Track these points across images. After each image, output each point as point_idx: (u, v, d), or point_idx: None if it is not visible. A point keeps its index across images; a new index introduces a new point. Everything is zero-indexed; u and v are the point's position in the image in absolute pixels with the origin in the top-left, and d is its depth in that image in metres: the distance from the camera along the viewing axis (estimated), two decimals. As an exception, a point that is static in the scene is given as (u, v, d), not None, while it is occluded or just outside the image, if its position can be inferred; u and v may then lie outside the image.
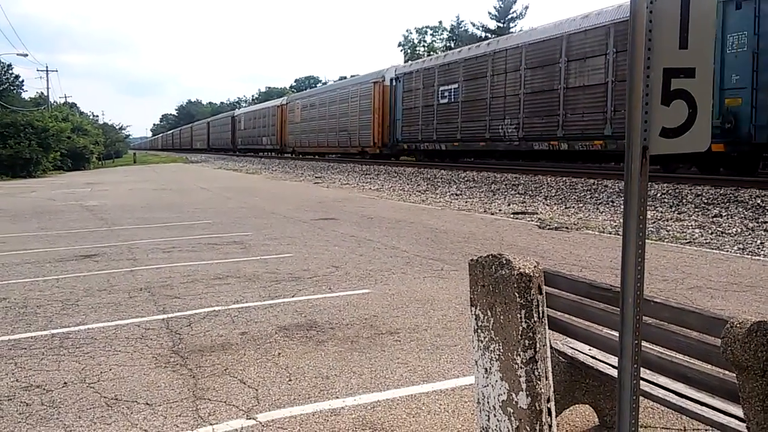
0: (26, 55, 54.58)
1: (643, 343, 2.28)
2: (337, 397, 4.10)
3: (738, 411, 2.60)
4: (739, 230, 10.37)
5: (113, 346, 5.19)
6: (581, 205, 14.75)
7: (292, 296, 6.76)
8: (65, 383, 4.40)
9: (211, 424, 3.72)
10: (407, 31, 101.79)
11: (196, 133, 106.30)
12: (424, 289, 6.95)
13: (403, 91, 32.81)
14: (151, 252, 9.74)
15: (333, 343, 5.17)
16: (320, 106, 45.38)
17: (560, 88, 21.06)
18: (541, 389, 2.40)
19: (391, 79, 34.52)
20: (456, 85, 27.44)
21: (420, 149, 32.37)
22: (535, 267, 2.42)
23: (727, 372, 2.41)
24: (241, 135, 71.09)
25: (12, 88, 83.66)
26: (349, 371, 4.55)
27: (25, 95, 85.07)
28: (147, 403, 4.03)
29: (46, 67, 77.81)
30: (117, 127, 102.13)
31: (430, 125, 29.68)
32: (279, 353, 4.95)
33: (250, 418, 3.80)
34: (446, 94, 28.14)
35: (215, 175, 35.28)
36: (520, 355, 2.40)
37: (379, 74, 36.70)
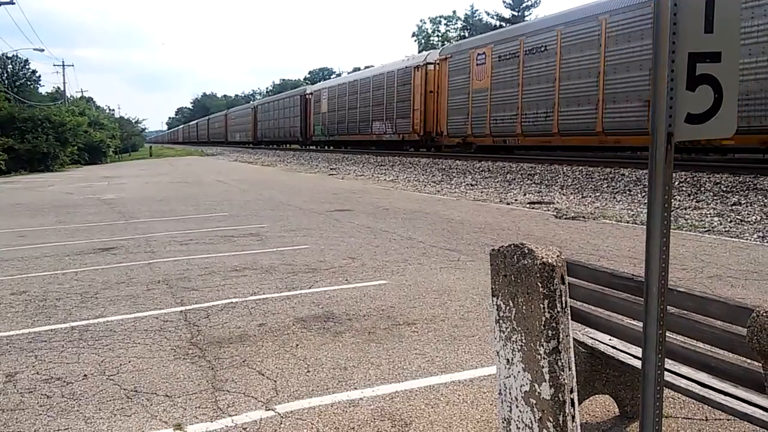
0: (43, 50, 55.01)
1: (667, 333, 2.24)
2: (356, 388, 4.09)
3: (763, 401, 2.57)
4: (758, 218, 10.24)
5: (132, 339, 5.21)
6: (598, 194, 14.64)
7: (309, 288, 6.76)
8: (85, 375, 4.42)
9: (230, 416, 3.73)
10: (421, 20, 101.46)
11: (233, 121, 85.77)
12: (441, 280, 6.93)
13: None
14: (168, 244, 9.79)
15: (350, 335, 5.16)
16: (570, 48, 20.98)
17: None
18: (564, 380, 2.37)
19: None
20: None
21: None
22: (558, 256, 2.38)
23: (751, 361, 2.38)
24: (323, 120, 47.46)
25: (29, 83, 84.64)
26: (367, 362, 4.55)
27: (42, 90, 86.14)
28: (166, 395, 4.05)
29: (63, 62, 78.40)
30: (133, 121, 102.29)
31: None
32: (297, 345, 4.95)
33: (269, 410, 3.80)
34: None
35: (231, 168, 35.39)
36: (543, 346, 2.37)
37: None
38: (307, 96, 52.73)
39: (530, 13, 68.06)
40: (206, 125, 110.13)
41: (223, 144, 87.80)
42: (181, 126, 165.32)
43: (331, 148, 47.11)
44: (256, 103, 77.42)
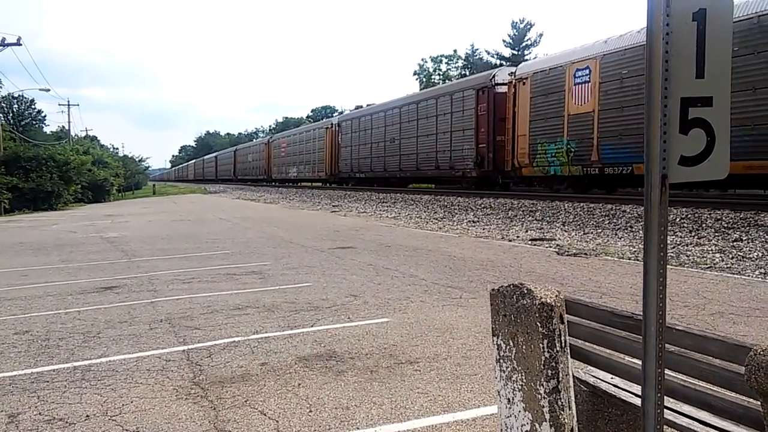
0: (48, 90, 55.37)
1: (666, 371, 2.26)
2: (358, 428, 4.08)
3: (764, 440, 2.56)
4: (760, 254, 10.25)
5: (134, 378, 5.21)
6: (599, 230, 14.66)
7: (311, 326, 6.76)
8: (88, 416, 4.41)
9: (232, 456, 3.72)
10: (422, 59, 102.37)
11: (284, 151, 60.22)
12: (443, 318, 6.92)
13: None
14: (170, 283, 9.80)
15: (353, 373, 5.15)
16: None
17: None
18: (564, 419, 2.38)
19: None
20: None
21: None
22: (556, 296, 2.41)
23: (751, 400, 2.39)
24: (579, 131, 20.57)
25: (34, 122, 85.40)
26: (369, 401, 4.54)
27: (47, 129, 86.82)
28: (168, 435, 4.04)
29: (68, 101, 78.34)
30: (137, 159, 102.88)
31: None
32: (299, 384, 4.95)
33: (271, 450, 3.79)
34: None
35: (233, 205, 35.50)
36: (543, 385, 2.39)
37: None
38: (497, 88, 26.01)
39: (530, 52, 69.00)
40: (231, 158, 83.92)
41: (261, 183, 65.90)
42: (192, 162, 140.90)
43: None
44: (338, 118, 50.44)
